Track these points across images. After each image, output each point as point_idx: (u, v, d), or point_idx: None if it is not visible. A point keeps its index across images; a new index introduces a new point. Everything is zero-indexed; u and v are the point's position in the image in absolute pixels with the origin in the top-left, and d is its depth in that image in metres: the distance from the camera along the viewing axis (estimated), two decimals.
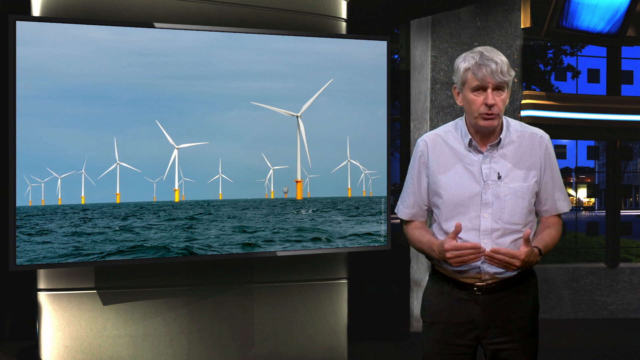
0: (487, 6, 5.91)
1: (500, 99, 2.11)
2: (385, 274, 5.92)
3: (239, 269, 4.18)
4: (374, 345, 5.25)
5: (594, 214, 13.51)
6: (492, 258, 2.06)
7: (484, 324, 2.18)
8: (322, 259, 4.35)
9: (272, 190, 4.23)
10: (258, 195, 4.18)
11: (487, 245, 2.13)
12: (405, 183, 2.36)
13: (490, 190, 2.15)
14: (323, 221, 4.29)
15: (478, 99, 2.11)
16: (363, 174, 4.37)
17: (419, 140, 2.32)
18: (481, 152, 2.18)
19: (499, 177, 2.16)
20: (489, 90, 2.09)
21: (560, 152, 7.18)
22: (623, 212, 6.97)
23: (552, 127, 6.34)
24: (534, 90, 7.43)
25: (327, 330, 4.38)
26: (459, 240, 2.12)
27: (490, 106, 2.10)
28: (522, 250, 2.05)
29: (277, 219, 4.21)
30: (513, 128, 2.22)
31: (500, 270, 2.14)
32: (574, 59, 8.15)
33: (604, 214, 6.92)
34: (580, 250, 7.16)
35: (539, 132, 2.25)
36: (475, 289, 2.17)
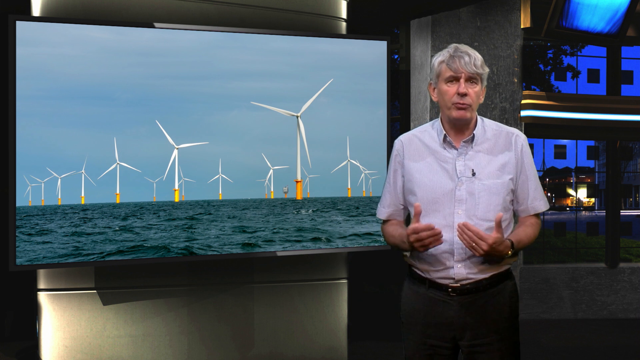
0: (487, 6, 5.91)
1: (474, 91, 2.15)
2: (385, 274, 5.91)
3: (239, 269, 4.18)
4: (374, 345, 5.25)
5: (594, 214, 13.50)
6: (462, 232, 2.06)
7: (459, 326, 2.18)
8: (322, 259, 4.35)
9: (272, 190, 4.23)
10: (258, 195, 4.18)
11: (461, 243, 2.13)
12: (384, 184, 2.40)
13: (464, 186, 2.16)
14: (323, 221, 4.29)
15: (451, 89, 2.15)
16: (363, 174, 4.37)
17: (396, 140, 2.36)
18: (456, 149, 2.20)
19: (473, 174, 2.17)
20: (462, 80, 2.13)
21: (560, 152, 7.18)
22: (623, 212, 6.97)
23: (552, 127, 6.35)
24: (534, 90, 7.43)
25: (327, 330, 4.38)
26: None
27: (462, 95, 2.13)
28: (492, 235, 2.06)
29: (277, 219, 4.21)
30: (489, 127, 2.25)
31: (473, 270, 2.15)
32: (574, 59, 8.15)
33: (604, 214, 6.92)
34: (580, 250, 7.16)
35: (515, 131, 2.27)
36: (449, 290, 2.18)
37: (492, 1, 5.94)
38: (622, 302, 6.64)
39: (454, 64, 2.13)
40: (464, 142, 2.20)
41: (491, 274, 2.18)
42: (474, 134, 2.20)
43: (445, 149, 2.22)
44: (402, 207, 2.34)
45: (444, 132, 2.22)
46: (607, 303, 6.62)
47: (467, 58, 2.12)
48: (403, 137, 2.33)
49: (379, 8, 5.47)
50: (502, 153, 2.21)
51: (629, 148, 7.83)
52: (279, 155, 4.20)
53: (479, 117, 2.25)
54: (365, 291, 5.99)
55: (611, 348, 5.40)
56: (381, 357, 4.96)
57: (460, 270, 2.16)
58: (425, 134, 2.28)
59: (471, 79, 2.14)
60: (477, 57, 2.15)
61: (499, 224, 2.07)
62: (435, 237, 2.06)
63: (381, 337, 5.43)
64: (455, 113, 2.16)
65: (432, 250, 2.16)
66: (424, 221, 2.20)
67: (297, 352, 4.32)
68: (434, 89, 2.23)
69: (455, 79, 2.14)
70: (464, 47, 2.16)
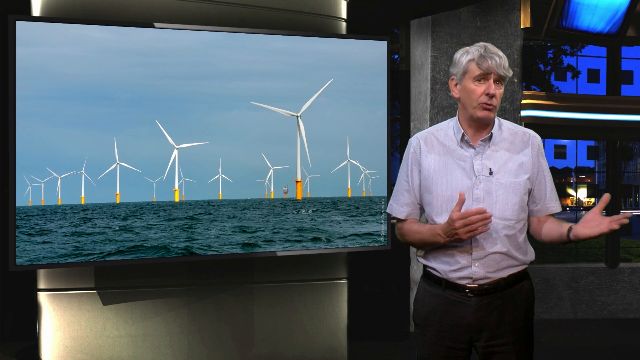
0: (487, 6, 5.91)
1: (499, 93, 2.17)
2: (385, 274, 5.91)
3: (239, 269, 4.18)
4: (374, 345, 5.25)
5: None
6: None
7: (476, 327, 2.17)
8: (322, 259, 4.35)
9: (272, 190, 4.23)
10: (258, 195, 4.18)
11: (479, 242, 2.14)
12: (397, 181, 2.36)
13: (482, 185, 2.16)
14: (323, 221, 4.29)
15: (479, 88, 2.15)
16: (363, 174, 4.37)
17: (412, 138, 2.34)
18: (473, 148, 2.20)
19: (491, 173, 2.17)
20: (491, 81, 2.14)
21: (560, 152, 7.18)
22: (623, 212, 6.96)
23: (552, 127, 6.35)
24: (534, 90, 7.43)
25: (327, 330, 4.38)
26: None
27: (491, 96, 2.13)
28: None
29: (277, 219, 4.21)
30: (505, 126, 2.26)
31: (491, 269, 2.15)
32: (574, 59, 8.15)
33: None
34: (580, 250, 7.16)
35: (532, 132, 2.28)
36: (467, 290, 2.17)
37: (492, 1, 5.94)
38: (622, 302, 6.64)
39: (485, 63, 2.13)
40: (481, 141, 2.20)
41: (509, 273, 2.18)
42: (492, 133, 2.20)
43: (462, 147, 2.21)
44: (419, 205, 2.32)
45: (462, 131, 2.21)
46: (607, 303, 6.62)
47: (497, 59, 2.13)
48: (420, 135, 2.31)
49: (379, 8, 5.47)
50: (519, 153, 2.21)
51: (629, 148, 7.84)
52: (279, 155, 4.20)
53: (495, 118, 2.25)
54: (365, 291, 5.99)
55: (611, 348, 5.40)
56: (381, 357, 4.96)
57: (478, 269, 2.15)
58: (441, 132, 2.27)
59: (498, 80, 2.15)
60: (505, 59, 2.16)
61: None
62: (485, 220, 2.04)
63: (381, 337, 5.43)
64: (480, 113, 2.15)
65: (450, 249, 2.16)
66: (439, 220, 2.19)
67: (297, 352, 4.32)
68: (456, 84, 2.22)
69: (484, 78, 2.14)
70: (494, 48, 2.17)
